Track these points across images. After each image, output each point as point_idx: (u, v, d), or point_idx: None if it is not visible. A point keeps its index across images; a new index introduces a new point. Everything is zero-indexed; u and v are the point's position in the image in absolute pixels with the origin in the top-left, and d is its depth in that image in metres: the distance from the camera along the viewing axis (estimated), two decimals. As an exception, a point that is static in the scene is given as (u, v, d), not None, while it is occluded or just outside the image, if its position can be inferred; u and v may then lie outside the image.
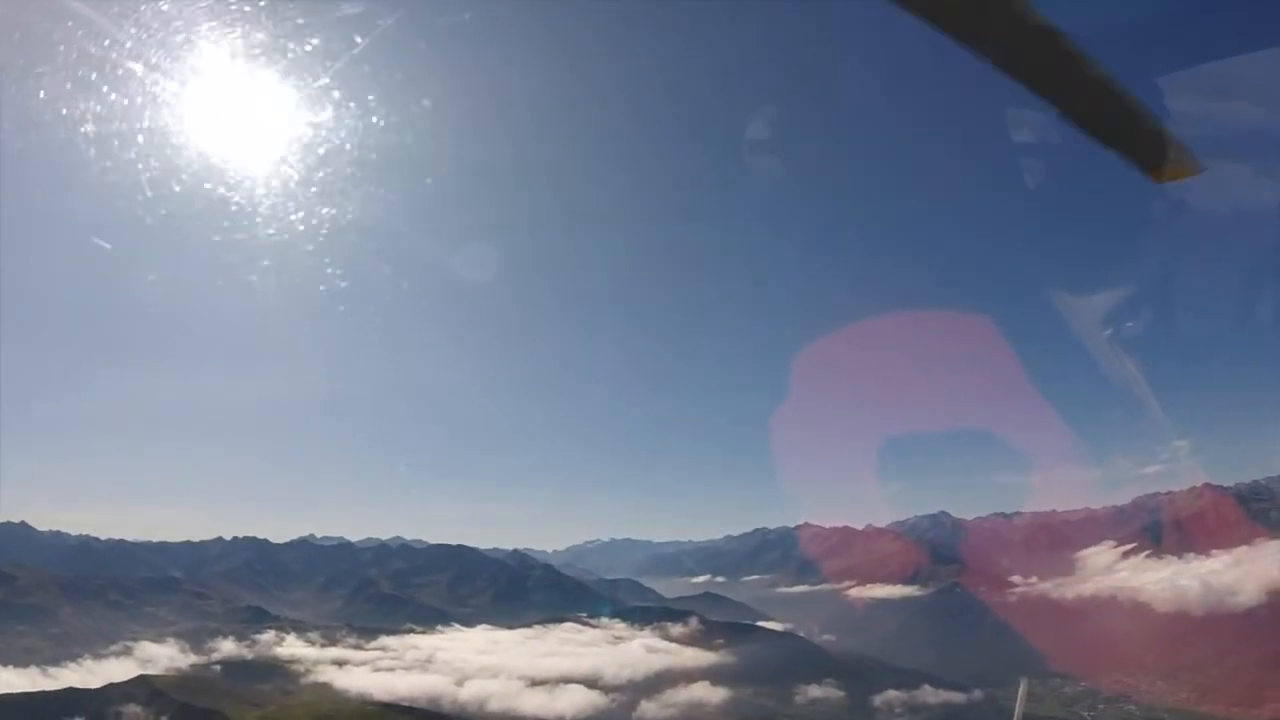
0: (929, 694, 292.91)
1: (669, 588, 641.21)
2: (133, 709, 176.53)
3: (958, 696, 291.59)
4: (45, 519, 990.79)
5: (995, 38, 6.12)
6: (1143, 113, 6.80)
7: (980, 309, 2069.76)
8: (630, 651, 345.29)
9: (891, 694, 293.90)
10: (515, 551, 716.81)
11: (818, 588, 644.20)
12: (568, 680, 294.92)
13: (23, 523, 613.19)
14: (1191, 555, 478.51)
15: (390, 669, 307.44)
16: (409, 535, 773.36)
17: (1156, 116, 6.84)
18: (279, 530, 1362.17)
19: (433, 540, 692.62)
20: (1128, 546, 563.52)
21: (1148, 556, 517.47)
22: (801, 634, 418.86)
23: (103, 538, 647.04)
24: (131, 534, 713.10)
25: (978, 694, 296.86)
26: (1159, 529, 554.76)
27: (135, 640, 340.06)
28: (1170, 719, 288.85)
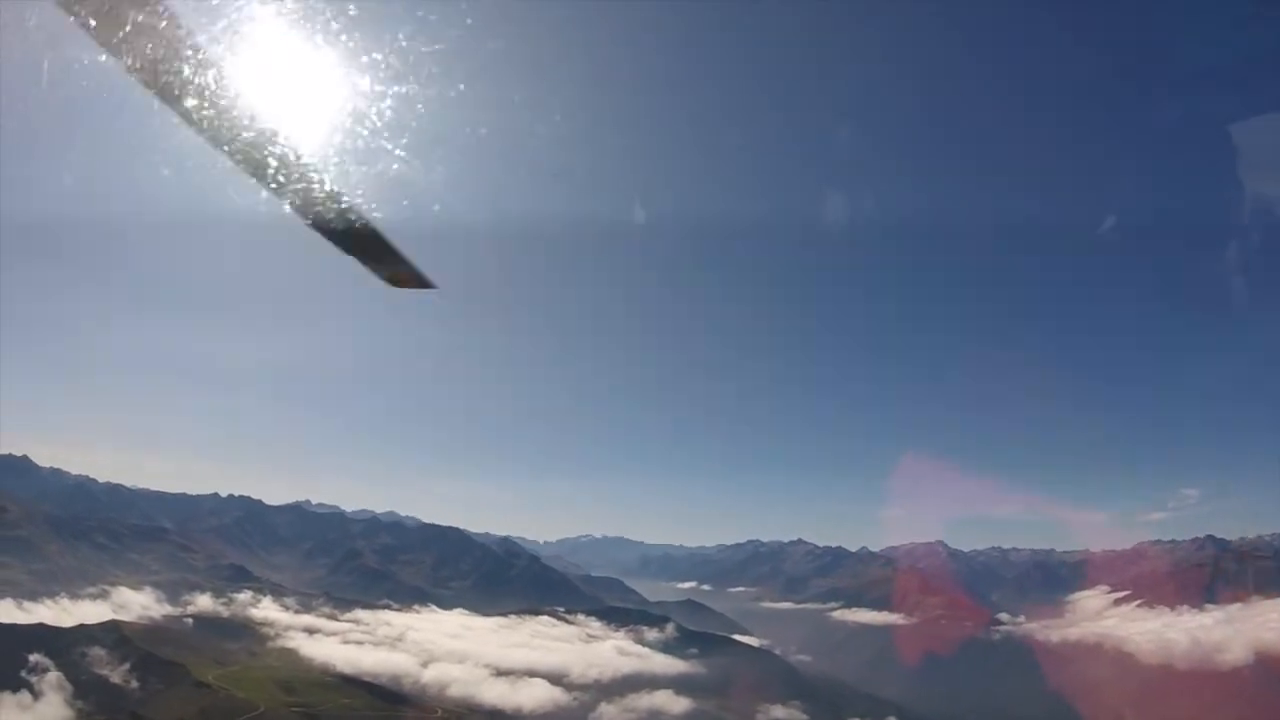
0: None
1: (653, 590, 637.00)
2: (97, 651, 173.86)
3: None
4: (49, 455, 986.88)
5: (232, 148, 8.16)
6: (378, 236, 9.32)
7: (997, 336, 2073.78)
8: (601, 651, 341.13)
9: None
10: (505, 539, 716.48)
11: (802, 606, 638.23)
12: (533, 673, 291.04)
13: (25, 456, 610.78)
14: (1184, 608, 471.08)
15: (359, 643, 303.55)
16: (404, 511, 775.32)
17: (390, 241, 9.41)
18: (276, 493, 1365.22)
19: (427, 519, 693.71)
20: (1121, 594, 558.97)
21: (1139, 606, 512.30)
22: (777, 651, 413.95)
23: (101, 480, 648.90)
24: (131, 480, 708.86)
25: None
26: (1155, 578, 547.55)
27: (114, 585, 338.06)
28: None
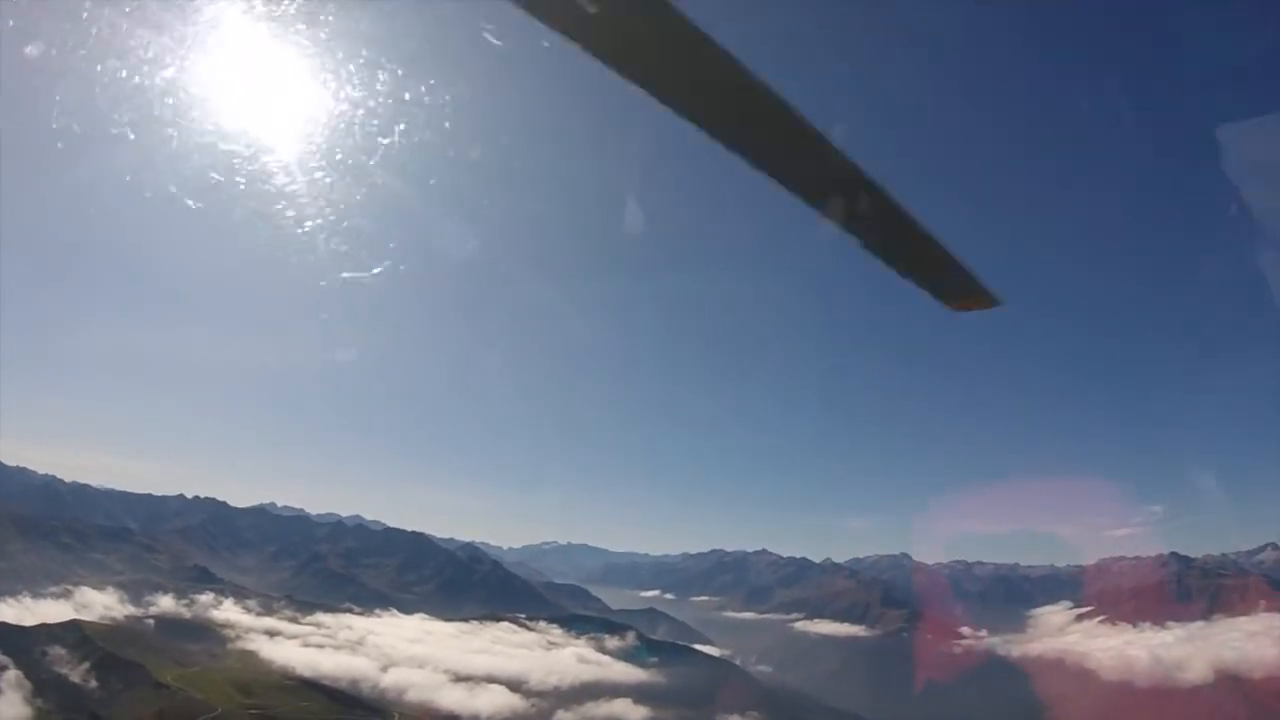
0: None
1: (616, 599, 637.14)
2: (58, 651, 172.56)
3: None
4: (14, 454, 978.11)
5: (810, 180, 7.15)
6: (941, 250, 7.73)
7: (964, 352, 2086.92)
8: (560, 659, 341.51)
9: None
10: (469, 544, 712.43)
11: (764, 616, 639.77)
12: (492, 679, 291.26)
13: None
14: (1146, 625, 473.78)
15: (320, 646, 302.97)
16: (369, 515, 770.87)
17: (952, 254, 7.75)
18: (241, 494, 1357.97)
19: (393, 523, 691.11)
20: (1083, 610, 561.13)
21: (1101, 622, 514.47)
22: (738, 661, 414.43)
23: (68, 480, 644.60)
24: (97, 479, 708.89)
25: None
26: (1118, 594, 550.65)
27: (77, 585, 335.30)
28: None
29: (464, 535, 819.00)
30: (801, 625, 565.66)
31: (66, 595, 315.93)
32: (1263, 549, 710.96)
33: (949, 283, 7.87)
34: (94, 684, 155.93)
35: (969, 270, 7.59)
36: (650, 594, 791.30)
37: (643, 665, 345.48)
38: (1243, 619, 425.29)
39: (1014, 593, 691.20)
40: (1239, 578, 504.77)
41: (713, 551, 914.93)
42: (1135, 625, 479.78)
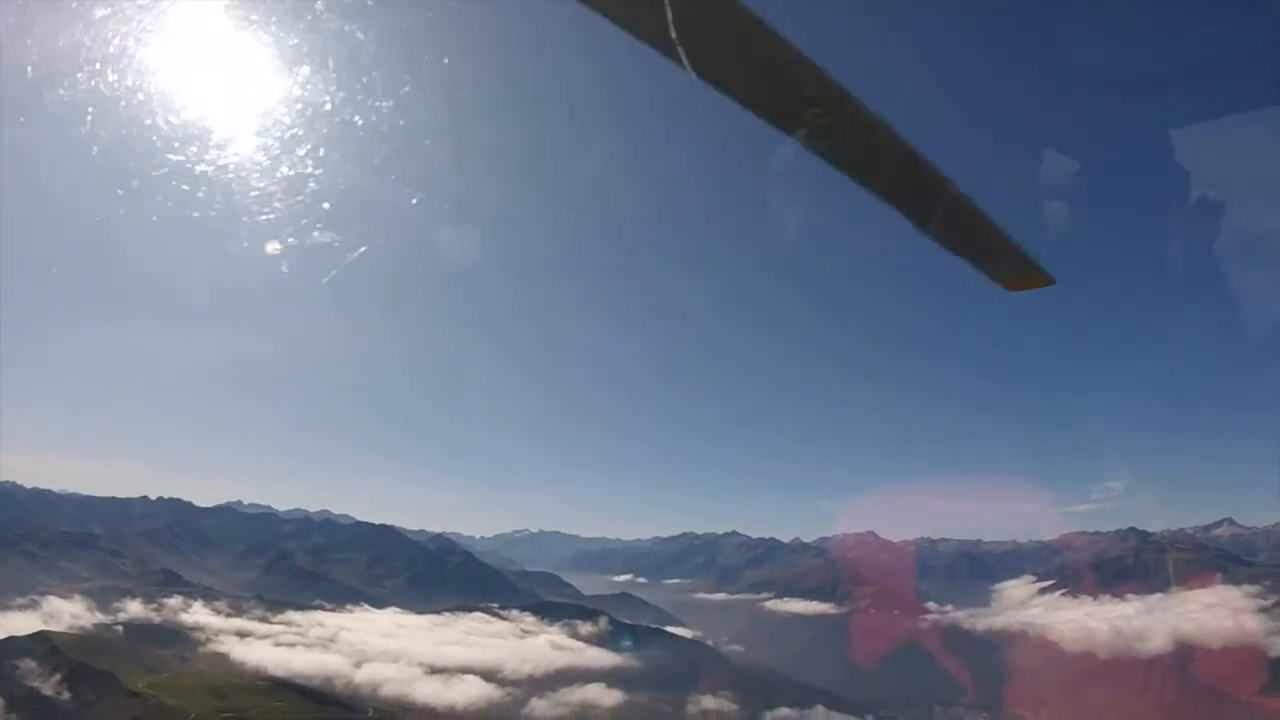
0: (821, 715, 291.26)
1: (589, 584, 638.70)
2: (28, 664, 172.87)
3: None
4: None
5: (862, 159, 7.21)
6: (994, 228, 7.84)
7: (928, 331, 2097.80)
8: (535, 647, 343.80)
9: (784, 711, 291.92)
10: (439, 536, 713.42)
11: (735, 597, 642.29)
12: (467, 670, 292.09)
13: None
14: (1106, 598, 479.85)
15: (292, 645, 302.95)
16: (337, 510, 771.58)
17: (1005, 232, 7.87)
18: (206, 493, 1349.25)
19: (361, 517, 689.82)
20: (1046, 583, 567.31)
21: (1063, 595, 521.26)
22: (710, 643, 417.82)
23: (28, 486, 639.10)
24: (59, 484, 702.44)
25: (869, 719, 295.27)
26: (1079, 568, 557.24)
27: (44, 594, 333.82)
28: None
29: (434, 527, 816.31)
30: (772, 605, 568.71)
31: (34, 606, 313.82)
32: (1219, 524, 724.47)
33: (1004, 262, 8.38)
34: (66, 695, 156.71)
35: (1023, 249, 8.11)
36: (622, 579, 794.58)
37: (616, 650, 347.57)
38: (1200, 592, 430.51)
39: (978, 568, 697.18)
40: (1196, 552, 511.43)
41: (683, 535, 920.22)
42: (1096, 598, 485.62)
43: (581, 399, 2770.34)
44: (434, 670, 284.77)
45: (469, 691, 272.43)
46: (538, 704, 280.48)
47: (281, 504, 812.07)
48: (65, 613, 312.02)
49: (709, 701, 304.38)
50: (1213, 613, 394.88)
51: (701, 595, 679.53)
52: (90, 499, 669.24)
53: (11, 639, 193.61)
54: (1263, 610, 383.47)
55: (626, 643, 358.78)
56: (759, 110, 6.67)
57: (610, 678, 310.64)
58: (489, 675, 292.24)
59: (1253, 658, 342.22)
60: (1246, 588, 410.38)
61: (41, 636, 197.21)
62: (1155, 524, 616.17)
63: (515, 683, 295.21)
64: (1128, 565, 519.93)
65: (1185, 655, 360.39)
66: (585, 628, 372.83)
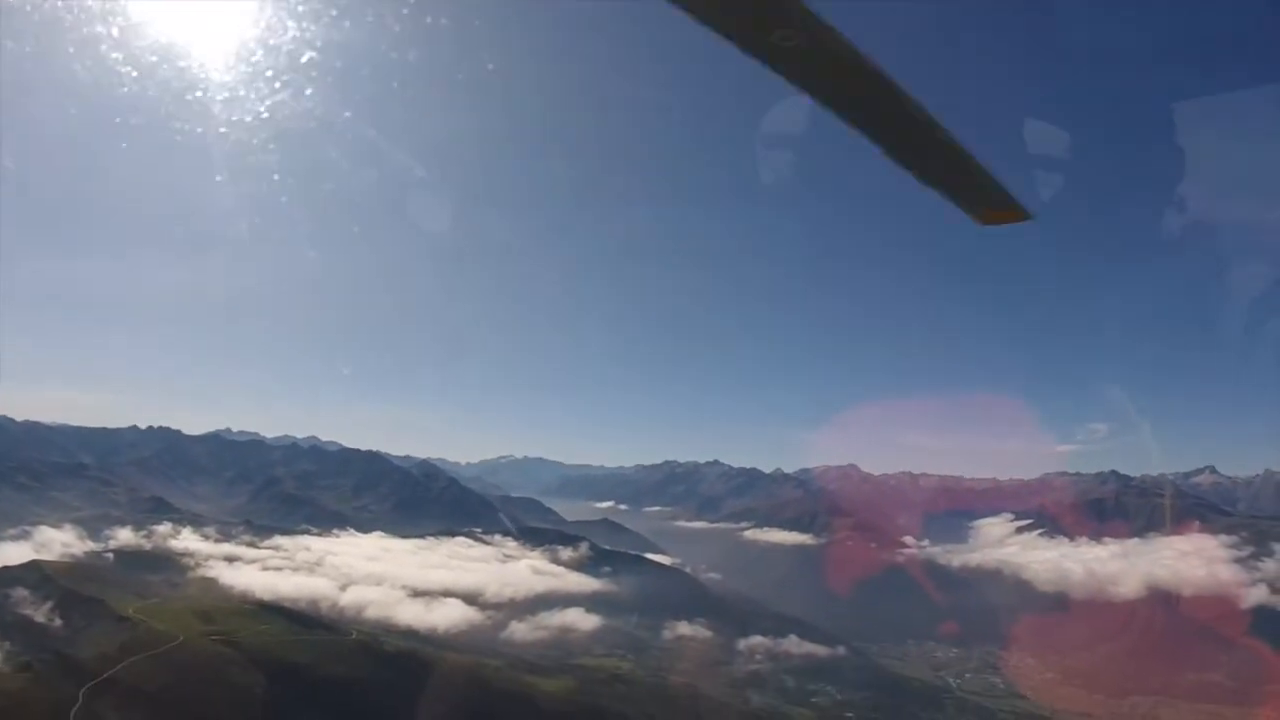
0: (794, 644, 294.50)
1: (571, 511, 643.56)
2: (20, 592, 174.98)
3: (822, 650, 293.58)
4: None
5: (833, 84, 7.12)
6: (971, 160, 7.78)
7: (911, 266, 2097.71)
8: (516, 571, 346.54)
9: (757, 639, 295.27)
10: (424, 462, 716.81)
11: (715, 525, 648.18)
12: (449, 594, 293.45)
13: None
14: (1083, 540, 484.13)
15: (279, 569, 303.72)
16: (325, 436, 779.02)
17: (983, 165, 7.80)
18: (195, 422, 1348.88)
19: (349, 443, 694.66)
20: (1024, 522, 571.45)
21: (1040, 535, 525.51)
22: (688, 570, 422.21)
23: (19, 419, 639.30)
24: (48, 416, 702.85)
25: (842, 650, 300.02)
26: (1058, 509, 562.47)
27: (36, 525, 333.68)
28: (1033, 697, 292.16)
29: (420, 453, 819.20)
30: (751, 534, 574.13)
31: (26, 536, 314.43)
32: (1200, 471, 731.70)
33: (980, 196, 8.43)
34: (58, 622, 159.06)
35: (1000, 182, 8.15)
36: (604, 505, 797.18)
37: (596, 575, 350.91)
38: (1176, 539, 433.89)
39: (956, 504, 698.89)
40: (1176, 499, 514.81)
41: (665, 463, 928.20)
42: (1072, 539, 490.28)
43: (568, 328, 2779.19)
44: (417, 593, 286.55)
45: (450, 614, 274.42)
46: (517, 627, 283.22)
47: (269, 431, 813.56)
48: (56, 542, 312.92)
49: (685, 628, 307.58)
50: (1188, 560, 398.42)
51: (682, 523, 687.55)
52: (81, 429, 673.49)
53: (5, 569, 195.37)
54: (1238, 560, 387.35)
55: (606, 568, 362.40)
56: (725, 31, 6.58)
57: (589, 602, 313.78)
58: (470, 598, 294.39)
59: (1226, 607, 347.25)
60: (1224, 537, 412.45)
61: (33, 565, 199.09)
62: (1136, 468, 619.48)
63: (496, 606, 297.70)
64: (1106, 508, 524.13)
65: (1157, 601, 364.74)
66: (566, 553, 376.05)
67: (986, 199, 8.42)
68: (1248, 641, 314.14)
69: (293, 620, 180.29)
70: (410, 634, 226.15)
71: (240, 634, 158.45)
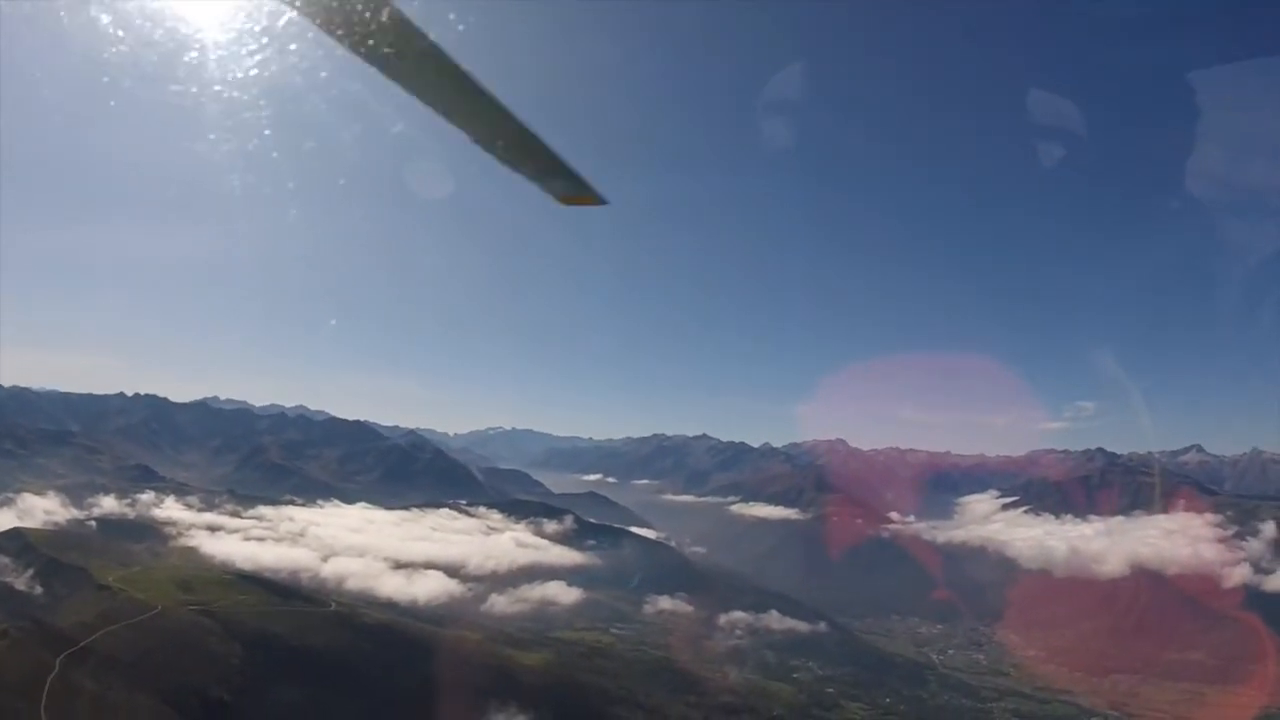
0: (775, 619, 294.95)
1: (558, 483, 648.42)
2: (2, 560, 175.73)
3: (802, 626, 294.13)
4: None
5: (429, 86, 8.14)
6: (548, 151, 9.13)
7: (906, 239, 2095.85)
8: (499, 543, 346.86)
9: (738, 615, 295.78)
10: (412, 432, 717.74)
11: (702, 499, 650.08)
12: (431, 566, 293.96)
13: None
14: (1068, 517, 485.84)
15: (261, 539, 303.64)
16: (314, 405, 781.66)
17: (558, 155, 9.18)
18: (183, 390, 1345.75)
19: (338, 413, 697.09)
20: (1009, 499, 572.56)
21: (1025, 512, 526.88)
22: (673, 544, 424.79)
23: (6, 384, 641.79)
24: (36, 381, 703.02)
25: (823, 626, 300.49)
26: (1043, 486, 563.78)
27: (20, 492, 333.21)
28: (1016, 673, 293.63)
29: (409, 423, 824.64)
30: (737, 508, 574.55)
31: (9, 503, 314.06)
32: (1187, 450, 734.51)
33: (557, 181, 9.78)
34: (39, 590, 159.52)
35: (574, 170, 9.54)
36: (592, 478, 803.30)
37: (579, 548, 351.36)
38: (1161, 517, 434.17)
39: (944, 480, 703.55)
40: (1162, 477, 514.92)
41: (654, 436, 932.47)
42: (1057, 517, 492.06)
43: (560, 300, 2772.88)
44: (399, 565, 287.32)
45: (431, 586, 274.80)
46: (497, 600, 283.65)
47: (258, 400, 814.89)
48: (40, 509, 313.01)
49: (666, 602, 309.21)
50: (1172, 539, 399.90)
51: (669, 497, 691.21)
52: (68, 396, 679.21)
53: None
54: (1222, 540, 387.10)
55: (590, 542, 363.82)
56: (330, 32, 7.69)
57: (571, 575, 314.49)
58: (452, 571, 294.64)
59: (1209, 585, 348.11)
60: (1209, 516, 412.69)
61: (15, 533, 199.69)
62: (1123, 446, 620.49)
63: (478, 578, 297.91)
64: (1092, 486, 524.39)
65: (1141, 579, 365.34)
66: (550, 526, 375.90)
67: (564, 185, 9.83)
68: (1231, 620, 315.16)
69: (272, 591, 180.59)
70: (389, 606, 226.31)
71: (219, 604, 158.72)
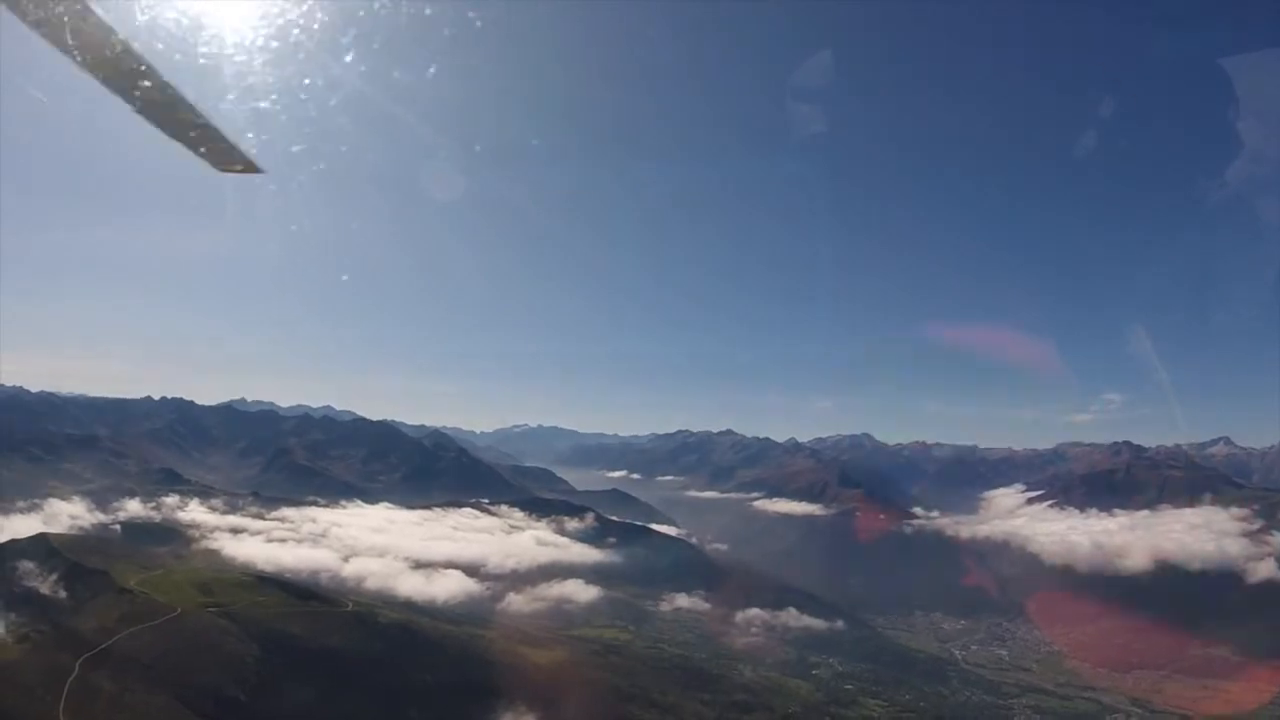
0: (792, 617, 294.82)
1: (582, 480, 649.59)
2: (26, 565, 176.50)
3: (819, 623, 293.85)
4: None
5: (86, 54, 8.67)
6: (208, 124, 10.06)
7: (933, 233, 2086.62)
8: (520, 542, 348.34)
9: (755, 612, 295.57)
10: (436, 431, 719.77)
11: (725, 495, 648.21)
12: (451, 565, 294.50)
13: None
14: (1094, 511, 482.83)
15: (283, 541, 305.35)
16: (340, 406, 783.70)
17: (218, 128, 10.19)
18: (209, 393, 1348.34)
19: (364, 413, 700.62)
20: (1035, 493, 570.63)
21: (1050, 506, 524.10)
22: (694, 541, 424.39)
23: (34, 389, 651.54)
24: (65, 386, 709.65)
25: (841, 623, 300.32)
26: (1069, 480, 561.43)
27: (46, 498, 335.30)
28: (1038, 669, 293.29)
29: (435, 422, 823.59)
30: (760, 504, 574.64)
31: (36, 508, 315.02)
32: (1215, 443, 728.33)
33: (217, 152, 10.79)
34: (62, 594, 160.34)
35: (234, 143, 10.59)
36: (617, 475, 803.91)
37: (600, 546, 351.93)
38: (1187, 510, 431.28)
39: (969, 474, 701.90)
40: (1188, 470, 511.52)
41: (679, 432, 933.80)
42: (1082, 511, 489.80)
43: (587, 295, 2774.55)
44: (418, 565, 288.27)
45: (449, 586, 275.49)
46: (515, 598, 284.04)
47: (284, 401, 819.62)
48: (65, 514, 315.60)
49: (683, 600, 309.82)
50: (1196, 534, 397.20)
51: (693, 493, 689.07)
52: (95, 400, 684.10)
53: (12, 541, 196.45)
54: (1246, 535, 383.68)
55: (610, 539, 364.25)
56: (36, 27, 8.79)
57: (590, 574, 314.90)
58: (472, 570, 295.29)
59: (1233, 580, 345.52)
60: (1235, 510, 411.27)
61: (41, 539, 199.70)
62: (1151, 439, 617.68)
63: (497, 577, 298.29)
64: (1118, 479, 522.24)
65: (1165, 574, 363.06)
66: (572, 524, 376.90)
67: (222, 155, 10.94)
68: (1256, 615, 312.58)
69: (290, 592, 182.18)
70: (407, 605, 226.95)
71: (237, 605, 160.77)
